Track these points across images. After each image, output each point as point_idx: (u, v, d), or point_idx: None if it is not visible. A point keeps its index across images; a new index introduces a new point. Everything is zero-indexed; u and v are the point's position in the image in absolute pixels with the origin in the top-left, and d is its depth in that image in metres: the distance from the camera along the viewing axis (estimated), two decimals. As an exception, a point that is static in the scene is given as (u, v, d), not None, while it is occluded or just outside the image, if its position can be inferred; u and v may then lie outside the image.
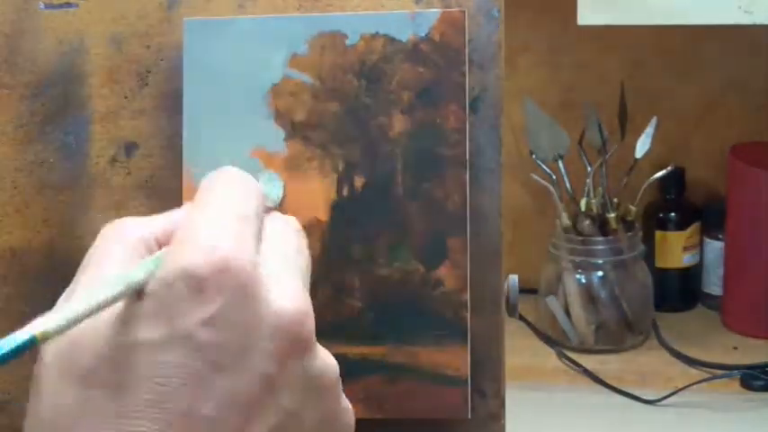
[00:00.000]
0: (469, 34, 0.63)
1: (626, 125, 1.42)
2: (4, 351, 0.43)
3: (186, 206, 0.52)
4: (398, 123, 0.62)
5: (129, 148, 0.66)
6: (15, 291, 0.67)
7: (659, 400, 1.33)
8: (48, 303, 0.66)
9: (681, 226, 1.51)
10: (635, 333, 1.45)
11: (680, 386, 1.34)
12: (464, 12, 0.62)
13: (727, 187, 1.47)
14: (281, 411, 0.47)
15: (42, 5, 0.66)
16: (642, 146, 1.41)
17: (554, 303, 1.45)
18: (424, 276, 0.62)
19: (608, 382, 1.36)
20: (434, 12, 0.63)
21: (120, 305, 0.47)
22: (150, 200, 0.65)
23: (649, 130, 1.41)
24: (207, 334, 0.46)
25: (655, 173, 1.44)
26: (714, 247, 1.51)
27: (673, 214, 1.51)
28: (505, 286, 0.63)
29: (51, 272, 0.66)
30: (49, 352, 0.47)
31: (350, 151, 0.63)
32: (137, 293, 0.47)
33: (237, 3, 0.65)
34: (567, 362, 1.41)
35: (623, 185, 1.43)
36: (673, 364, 1.40)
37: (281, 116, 0.63)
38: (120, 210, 0.66)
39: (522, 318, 1.39)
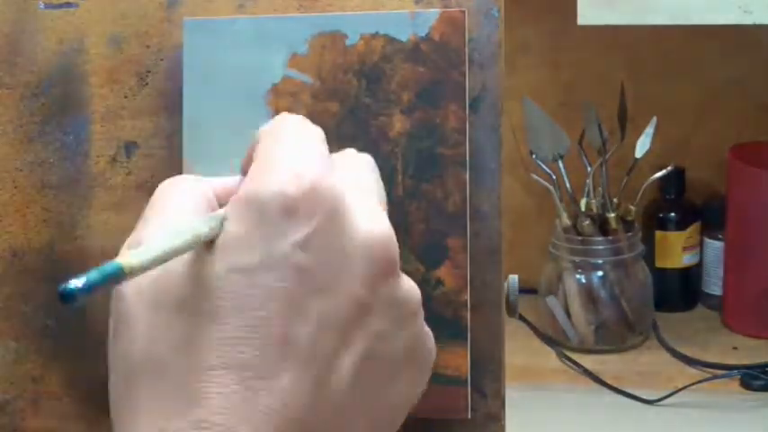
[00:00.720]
0: (469, 34, 0.63)
1: (626, 125, 1.42)
2: (93, 278, 0.42)
3: (236, 177, 0.53)
4: (398, 123, 0.62)
5: (130, 147, 0.66)
6: (15, 290, 0.67)
7: (659, 400, 1.33)
8: (48, 303, 0.66)
9: (681, 226, 1.51)
10: (635, 333, 1.45)
11: (680, 386, 1.34)
12: (464, 11, 0.62)
13: (727, 187, 1.47)
14: (372, 334, 0.48)
15: (42, 5, 0.66)
16: (642, 146, 1.41)
17: (554, 303, 1.45)
18: (423, 276, 0.62)
19: (608, 382, 1.36)
20: (434, 12, 0.63)
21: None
22: (150, 200, 0.65)
23: (649, 129, 1.41)
24: (302, 256, 0.46)
25: (655, 173, 1.44)
26: (714, 247, 1.51)
27: (673, 214, 1.51)
28: (505, 286, 0.63)
29: (51, 272, 0.66)
30: (131, 288, 0.47)
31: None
32: (204, 244, 0.46)
33: (237, 3, 0.65)
34: (567, 362, 1.41)
35: (623, 185, 1.43)
36: (673, 363, 1.40)
37: (280, 116, 0.63)
38: (121, 210, 0.66)
39: (522, 318, 1.39)
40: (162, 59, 0.65)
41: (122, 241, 0.65)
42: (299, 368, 0.45)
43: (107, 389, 0.50)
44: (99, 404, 0.60)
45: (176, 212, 0.50)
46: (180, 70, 0.64)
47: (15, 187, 0.66)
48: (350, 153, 0.53)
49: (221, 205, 0.51)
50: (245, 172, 0.51)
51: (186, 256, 0.46)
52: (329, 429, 0.46)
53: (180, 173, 0.64)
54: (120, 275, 0.43)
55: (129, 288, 0.47)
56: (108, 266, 0.43)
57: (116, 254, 0.65)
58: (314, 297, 0.46)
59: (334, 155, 0.52)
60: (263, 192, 0.46)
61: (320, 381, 0.46)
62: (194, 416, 0.44)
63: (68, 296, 0.42)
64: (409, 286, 0.50)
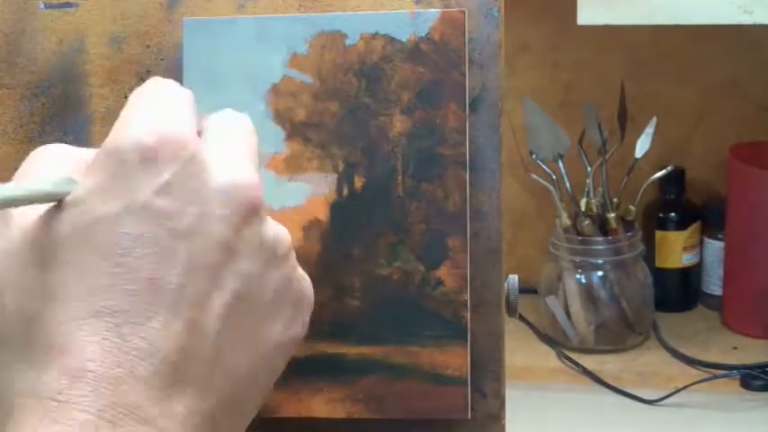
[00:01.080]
0: (469, 34, 0.63)
1: (626, 125, 1.42)
2: None
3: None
4: (398, 123, 0.62)
5: (129, 147, 0.66)
6: (15, 291, 0.67)
7: (659, 400, 1.33)
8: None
9: (681, 226, 1.51)
10: (635, 333, 1.45)
11: (680, 386, 1.34)
12: (464, 12, 0.62)
13: (727, 187, 1.47)
14: (242, 275, 0.49)
15: (42, 5, 0.66)
16: (642, 146, 1.41)
17: (554, 303, 1.45)
18: (423, 276, 0.62)
19: (608, 382, 1.36)
20: (434, 12, 0.63)
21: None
22: (150, 200, 0.65)
23: (649, 129, 1.41)
24: (163, 202, 0.47)
25: (655, 173, 1.44)
26: (714, 247, 1.51)
27: (673, 214, 1.51)
28: (505, 286, 0.63)
29: (51, 272, 0.66)
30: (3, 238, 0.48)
31: (350, 151, 0.63)
32: (57, 200, 0.47)
33: (237, 3, 0.65)
34: (567, 362, 1.41)
35: (623, 185, 1.43)
36: (672, 363, 1.40)
37: (280, 116, 0.63)
38: (120, 210, 0.66)
39: (522, 318, 1.39)
40: (162, 59, 0.65)
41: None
42: (170, 311, 0.46)
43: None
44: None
45: (38, 176, 0.50)
46: (180, 70, 0.64)
47: (15, 187, 0.66)
48: (226, 112, 0.54)
49: None
50: None
51: (47, 212, 0.47)
52: (204, 370, 0.47)
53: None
54: None
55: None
56: None
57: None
58: (179, 241, 0.47)
59: (211, 114, 0.53)
60: (121, 142, 0.47)
61: (192, 322, 0.47)
62: (67, 365, 0.45)
63: None
64: (277, 230, 0.51)
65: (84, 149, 0.52)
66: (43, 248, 0.47)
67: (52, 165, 0.50)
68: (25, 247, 0.47)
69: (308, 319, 0.53)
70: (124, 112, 0.50)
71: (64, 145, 0.52)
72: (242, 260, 0.49)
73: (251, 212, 0.49)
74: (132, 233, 0.46)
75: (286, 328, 0.51)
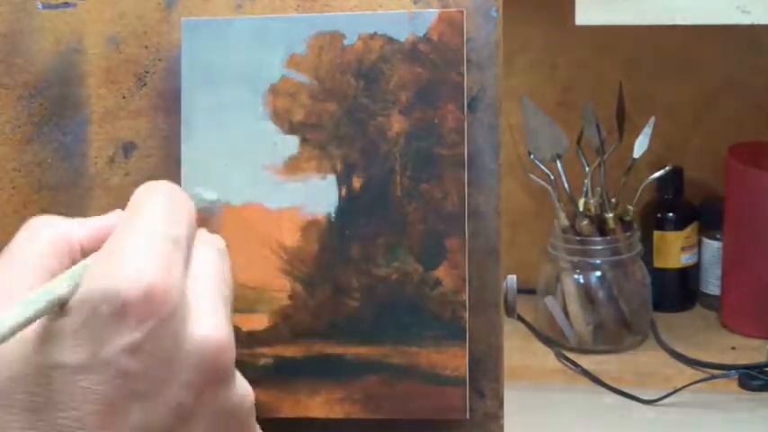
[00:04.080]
0: (468, 34, 0.63)
1: (624, 125, 1.42)
2: None
3: (115, 214, 0.52)
4: (397, 123, 0.62)
5: (128, 148, 0.66)
6: (13, 291, 0.67)
7: (657, 400, 1.33)
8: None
9: (679, 226, 1.51)
10: (633, 333, 1.45)
11: (678, 386, 1.34)
12: (462, 12, 0.62)
13: (726, 187, 1.47)
14: None
15: (40, 5, 0.66)
16: (640, 146, 1.41)
17: (552, 303, 1.45)
18: (422, 276, 0.62)
19: (606, 382, 1.36)
20: (432, 12, 0.63)
21: (42, 321, 0.46)
22: (148, 200, 0.65)
23: (647, 129, 1.41)
24: (128, 362, 0.45)
25: (653, 173, 1.44)
26: (712, 247, 1.51)
27: (671, 214, 1.51)
28: (504, 286, 0.63)
29: (49, 272, 0.66)
30: None
31: (348, 151, 0.63)
32: (60, 306, 0.46)
33: (235, 3, 0.65)
34: (566, 362, 1.41)
35: (621, 185, 1.43)
36: (671, 364, 1.40)
37: (279, 116, 0.63)
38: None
39: (520, 318, 1.39)
40: (160, 60, 0.65)
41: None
42: None
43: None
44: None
45: (24, 260, 0.48)
46: (178, 71, 0.64)
47: (13, 188, 0.66)
48: (203, 239, 0.51)
49: (85, 250, 0.50)
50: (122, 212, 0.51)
51: (28, 336, 0.46)
52: None
53: (178, 173, 0.64)
54: None
55: None
56: None
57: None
58: (133, 402, 0.45)
59: (197, 235, 0.51)
60: (98, 290, 0.45)
61: None
62: None
63: None
64: (241, 392, 0.49)
65: (74, 222, 0.50)
66: (2, 382, 0.45)
67: (41, 256, 0.49)
68: None
69: None
70: (113, 238, 0.47)
71: (52, 221, 0.51)
72: (195, 425, 0.47)
73: (216, 379, 0.47)
74: (86, 388, 0.45)
75: None
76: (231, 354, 0.47)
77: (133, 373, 0.45)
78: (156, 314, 0.45)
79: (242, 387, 0.49)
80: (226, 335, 0.47)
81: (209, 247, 0.51)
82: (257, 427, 0.51)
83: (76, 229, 0.51)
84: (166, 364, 0.46)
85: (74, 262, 0.49)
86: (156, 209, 0.49)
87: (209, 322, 0.47)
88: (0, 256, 0.49)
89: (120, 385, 0.45)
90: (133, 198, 0.50)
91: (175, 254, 0.47)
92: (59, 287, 0.45)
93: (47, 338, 0.45)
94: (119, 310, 0.45)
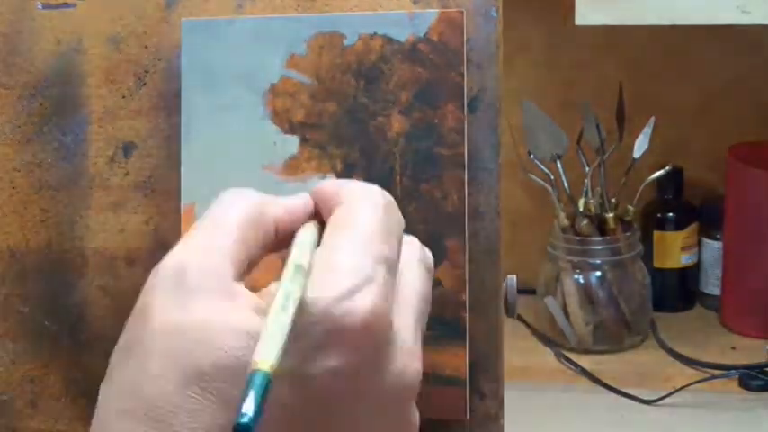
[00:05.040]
0: (468, 34, 0.63)
1: (624, 125, 1.42)
2: (258, 402, 0.41)
3: (305, 197, 0.51)
4: (397, 123, 0.62)
5: (128, 148, 0.66)
6: (13, 291, 0.67)
7: (657, 400, 1.33)
8: (46, 304, 0.66)
9: (679, 226, 1.51)
10: (633, 333, 1.45)
11: (678, 386, 1.34)
12: (462, 12, 0.62)
13: (726, 187, 1.47)
14: None
15: (40, 5, 0.66)
16: (640, 146, 1.41)
17: (552, 303, 1.45)
18: (422, 276, 0.62)
19: (606, 382, 1.36)
20: (433, 12, 0.63)
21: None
22: (148, 200, 0.65)
23: (647, 129, 1.41)
24: (328, 383, 0.45)
25: (653, 173, 1.44)
26: (712, 247, 1.51)
27: (671, 214, 1.51)
28: (504, 286, 0.63)
29: (49, 272, 0.66)
30: (161, 327, 0.45)
31: (348, 151, 0.63)
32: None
33: (236, 3, 0.65)
34: (566, 362, 1.41)
35: (621, 185, 1.43)
36: (671, 364, 1.40)
37: (279, 116, 0.63)
38: (119, 210, 0.66)
39: (520, 318, 1.39)
40: (160, 60, 0.65)
41: (121, 242, 0.65)
42: None
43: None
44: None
45: (233, 233, 0.48)
46: (178, 71, 0.64)
47: (13, 188, 0.66)
48: (411, 255, 0.51)
49: (280, 229, 0.50)
50: (312, 195, 0.51)
51: (235, 326, 0.45)
52: None
53: (178, 173, 0.64)
54: (270, 381, 0.42)
55: (156, 339, 0.46)
56: (257, 381, 0.42)
57: (114, 255, 0.65)
58: (322, 416, 0.46)
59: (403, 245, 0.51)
60: (320, 309, 0.45)
61: None
62: None
63: (246, 428, 0.41)
64: (415, 411, 0.49)
65: (266, 197, 0.50)
66: (197, 363, 0.45)
67: (241, 226, 0.48)
68: (179, 352, 0.45)
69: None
70: (329, 250, 0.47)
71: (248, 193, 0.50)
72: None
73: (406, 404, 0.48)
74: (281, 396, 0.45)
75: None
76: (419, 383, 0.48)
77: (328, 397, 0.45)
78: (368, 344, 0.46)
79: (416, 407, 0.49)
80: (420, 367, 0.48)
81: (418, 264, 0.51)
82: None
83: (271, 202, 0.50)
84: (362, 394, 0.46)
85: (267, 235, 0.49)
86: (372, 223, 0.49)
87: (409, 355, 0.48)
88: (201, 221, 0.49)
89: (312, 402, 0.45)
90: (345, 194, 0.50)
91: (390, 279, 0.47)
92: (295, 289, 0.45)
93: (256, 337, 0.45)
94: (335, 333, 0.45)
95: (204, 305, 0.45)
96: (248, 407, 0.41)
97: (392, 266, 0.48)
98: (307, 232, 0.50)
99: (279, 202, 0.51)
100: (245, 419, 0.41)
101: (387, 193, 0.50)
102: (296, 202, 0.51)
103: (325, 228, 0.49)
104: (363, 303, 0.45)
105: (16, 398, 0.67)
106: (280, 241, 0.50)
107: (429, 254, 0.53)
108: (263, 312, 0.45)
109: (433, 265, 0.52)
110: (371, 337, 0.46)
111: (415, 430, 0.50)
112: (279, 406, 0.45)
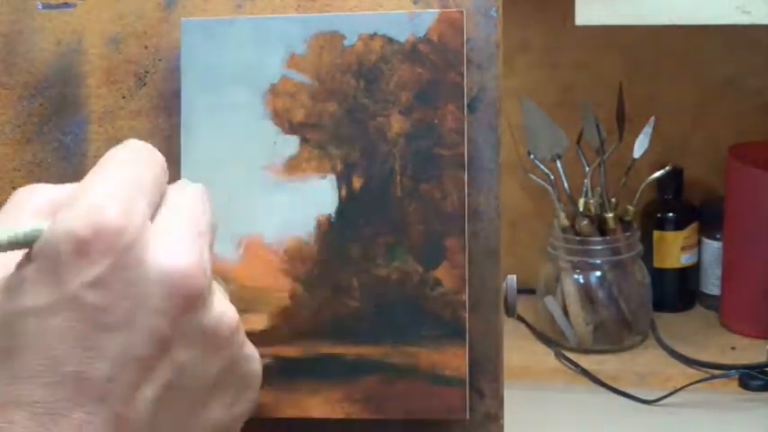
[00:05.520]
0: (468, 34, 0.63)
1: (624, 125, 1.42)
2: None
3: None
4: (397, 124, 0.62)
5: (127, 148, 0.66)
6: (13, 291, 0.67)
7: (657, 400, 1.33)
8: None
9: (679, 226, 1.51)
10: (633, 333, 1.45)
11: (678, 386, 1.34)
12: (462, 12, 0.62)
13: (726, 187, 1.47)
14: (176, 366, 0.48)
15: (40, 5, 0.66)
16: (640, 146, 1.41)
17: (552, 303, 1.45)
18: (422, 276, 0.62)
19: (606, 382, 1.36)
20: (432, 12, 0.63)
21: (8, 270, 0.47)
22: (148, 200, 0.65)
23: (647, 129, 1.41)
24: (93, 296, 0.46)
25: (653, 173, 1.44)
26: (712, 247, 1.51)
27: (671, 214, 1.51)
28: (504, 286, 0.63)
29: (49, 272, 0.66)
30: None
31: (348, 152, 0.63)
32: (25, 256, 0.47)
33: (235, 3, 0.65)
34: (566, 362, 1.41)
35: (621, 185, 1.43)
36: (671, 364, 1.40)
37: (279, 116, 0.63)
38: (119, 210, 0.66)
39: (520, 318, 1.39)
40: (160, 60, 0.65)
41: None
42: (94, 403, 0.46)
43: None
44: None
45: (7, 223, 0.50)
46: (178, 71, 0.64)
47: (13, 188, 0.66)
48: (181, 184, 0.53)
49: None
50: None
51: None
52: None
53: (178, 174, 0.64)
54: None
55: None
56: None
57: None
58: (108, 334, 0.46)
59: (169, 187, 0.52)
60: (57, 231, 0.47)
61: (118, 414, 0.46)
62: None
63: None
64: (221, 313, 0.50)
65: (63, 187, 0.52)
66: None
67: (28, 211, 0.50)
68: None
69: (256, 395, 0.54)
70: (81, 182, 0.49)
71: (40, 187, 0.52)
72: (177, 350, 0.48)
73: (190, 302, 0.48)
74: (59, 326, 0.46)
75: (229, 407, 0.52)
76: (200, 279, 0.48)
77: (100, 306, 0.46)
78: (114, 248, 0.46)
79: (222, 307, 0.50)
80: (192, 261, 0.48)
81: (185, 188, 0.52)
82: (248, 344, 0.52)
83: (64, 192, 0.52)
84: (131, 295, 0.47)
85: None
86: (122, 158, 0.51)
87: (174, 251, 0.48)
88: None
89: (89, 319, 0.46)
90: (105, 155, 0.52)
91: (138, 195, 0.49)
92: (22, 230, 0.47)
93: (12, 287, 0.47)
94: (76, 248, 0.46)
95: None
96: None
97: (140, 183, 0.49)
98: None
99: (66, 189, 0.52)
100: None
101: (142, 141, 0.53)
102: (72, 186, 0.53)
103: None
104: (99, 213, 0.47)
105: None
106: None
107: (198, 187, 0.53)
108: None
109: (206, 190, 0.54)
110: (113, 239, 0.46)
111: (256, 380, 0.51)
112: (70, 338, 0.46)
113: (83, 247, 0.46)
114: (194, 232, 0.50)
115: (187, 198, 0.52)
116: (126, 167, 0.50)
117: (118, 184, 0.49)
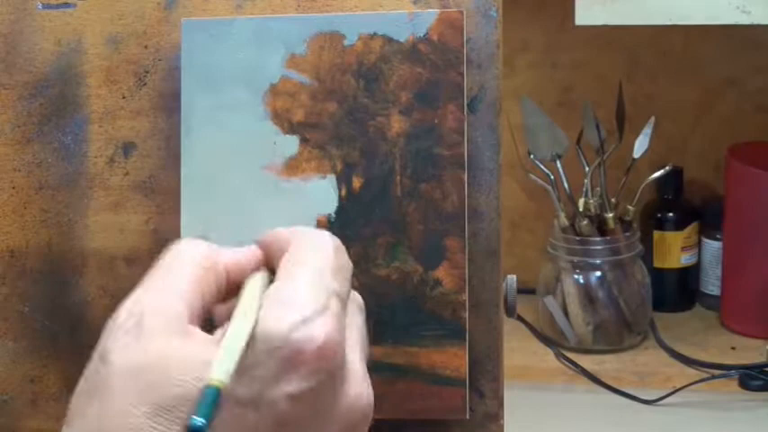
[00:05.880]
0: (467, 34, 0.63)
1: (624, 125, 1.42)
2: (204, 413, 0.44)
3: (254, 248, 0.53)
4: (397, 124, 0.62)
5: (127, 148, 0.66)
6: (13, 291, 0.67)
7: (657, 400, 1.32)
8: (46, 303, 0.66)
9: (679, 226, 1.51)
10: (633, 333, 1.45)
11: (678, 386, 1.34)
12: (462, 12, 0.62)
13: (725, 187, 1.47)
14: None
15: (40, 5, 0.66)
16: (640, 146, 1.41)
17: (552, 303, 1.45)
18: (422, 276, 0.62)
19: (606, 382, 1.36)
20: (432, 12, 0.63)
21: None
22: (148, 200, 0.65)
23: (647, 129, 1.41)
24: (289, 407, 0.47)
25: (653, 173, 1.44)
26: (712, 247, 1.51)
27: (671, 214, 1.51)
28: (504, 286, 0.63)
29: (49, 272, 0.66)
30: (121, 367, 0.47)
31: (348, 152, 0.63)
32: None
33: (235, 3, 0.65)
34: (565, 362, 1.41)
35: (621, 185, 1.43)
36: (671, 364, 1.40)
37: (278, 116, 0.63)
38: (119, 210, 0.66)
39: (520, 318, 1.39)
40: (160, 60, 0.65)
41: (121, 241, 0.65)
42: None
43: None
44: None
45: (181, 279, 0.50)
46: (178, 71, 0.64)
47: (13, 188, 0.66)
48: (353, 299, 0.53)
49: (230, 280, 0.52)
50: (260, 245, 0.53)
51: (196, 356, 0.47)
52: None
53: (178, 173, 0.64)
54: (219, 394, 0.45)
55: (118, 365, 0.48)
56: (207, 393, 0.45)
57: (114, 255, 0.65)
58: None
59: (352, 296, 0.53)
60: (278, 335, 0.47)
61: None
62: None
63: (196, 429, 0.44)
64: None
65: (214, 245, 0.52)
66: (162, 393, 0.47)
67: (195, 269, 0.50)
68: (141, 381, 0.47)
69: None
70: (283, 284, 0.49)
71: (198, 241, 0.52)
72: None
73: (360, 426, 0.50)
74: (247, 421, 0.47)
75: None
76: (371, 409, 0.50)
77: (290, 418, 0.47)
78: (323, 371, 0.48)
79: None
80: (370, 393, 0.50)
81: (355, 305, 0.53)
82: None
83: (221, 252, 0.52)
84: (321, 417, 0.48)
85: (219, 282, 0.51)
86: (324, 260, 0.51)
87: (359, 382, 0.50)
88: (156, 269, 0.51)
89: (275, 425, 0.47)
90: (296, 237, 0.52)
91: (342, 311, 0.50)
92: (246, 326, 0.47)
93: (227, 376, 0.47)
94: (294, 359, 0.47)
95: (161, 344, 0.47)
96: (199, 413, 0.44)
97: (343, 301, 0.50)
98: (256, 280, 0.52)
99: (229, 251, 0.53)
100: (196, 422, 0.44)
101: (335, 237, 0.52)
102: (245, 251, 0.54)
103: (278, 268, 0.51)
104: (319, 330, 0.47)
105: (16, 398, 0.67)
106: (230, 290, 0.52)
107: (359, 298, 0.54)
108: (217, 343, 0.47)
109: (364, 307, 0.54)
110: (327, 361, 0.48)
111: None
112: (246, 430, 0.47)
113: (299, 360, 0.47)
114: (365, 358, 0.51)
115: (357, 319, 0.53)
116: (331, 273, 0.50)
117: (329, 296, 0.49)
